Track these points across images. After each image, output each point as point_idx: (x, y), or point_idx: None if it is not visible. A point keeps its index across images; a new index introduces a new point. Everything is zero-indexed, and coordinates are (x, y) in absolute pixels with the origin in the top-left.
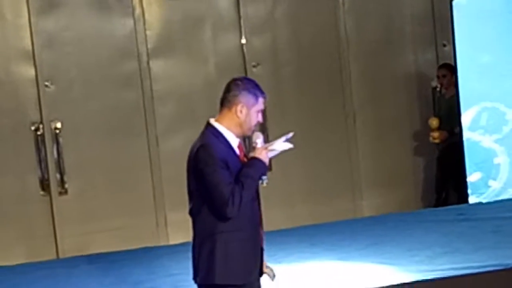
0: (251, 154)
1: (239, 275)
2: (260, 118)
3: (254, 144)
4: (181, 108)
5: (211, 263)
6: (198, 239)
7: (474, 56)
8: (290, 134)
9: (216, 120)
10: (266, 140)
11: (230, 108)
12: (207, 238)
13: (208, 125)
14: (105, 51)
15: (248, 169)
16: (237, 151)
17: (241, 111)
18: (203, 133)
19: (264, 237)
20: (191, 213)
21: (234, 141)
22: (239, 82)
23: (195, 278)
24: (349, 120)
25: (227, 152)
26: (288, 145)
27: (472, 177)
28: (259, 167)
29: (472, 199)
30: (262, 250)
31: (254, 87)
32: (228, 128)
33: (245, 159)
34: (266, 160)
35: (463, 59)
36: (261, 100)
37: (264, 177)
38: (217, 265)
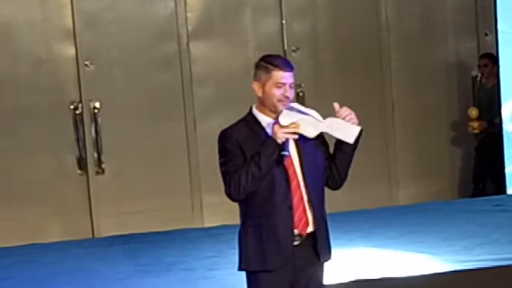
0: None
1: (255, 262)
2: (282, 92)
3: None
4: (219, 91)
5: (239, 250)
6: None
7: None
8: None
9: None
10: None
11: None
12: (240, 225)
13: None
14: (146, 32)
15: (258, 151)
16: (269, 131)
17: (257, 88)
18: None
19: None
20: None
21: (267, 121)
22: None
23: None
24: (387, 108)
25: (249, 136)
26: (315, 133)
27: (510, 168)
28: (267, 147)
29: (510, 191)
30: (299, 235)
31: (266, 61)
32: (258, 109)
33: None
34: (279, 137)
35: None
36: (275, 73)
37: (285, 153)
38: (241, 252)
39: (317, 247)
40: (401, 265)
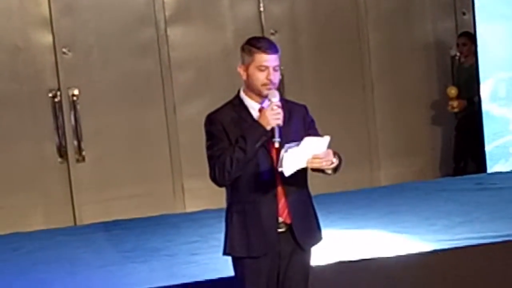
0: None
1: (239, 247)
2: (265, 75)
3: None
4: (198, 75)
5: (224, 234)
6: None
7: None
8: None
9: None
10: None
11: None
12: (226, 209)
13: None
14: (123, 18)
15: (243, 135)
16: (256, 115)
17: (242, 72)
18: None
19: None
20: None
21: (253, 105)
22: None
23: None
24: (367, 88)
25: (235, 120)
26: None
27: (490, 146)
28: (253, 132)
29: (490, 169)
30: (284, 222)
31: (250, 44)
32: (245, 92)
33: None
34: (268, 122)
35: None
36: (258, 55)
37: (277, 139)
38: (226, 237)
39: (296, 236)
40: (383, 246)
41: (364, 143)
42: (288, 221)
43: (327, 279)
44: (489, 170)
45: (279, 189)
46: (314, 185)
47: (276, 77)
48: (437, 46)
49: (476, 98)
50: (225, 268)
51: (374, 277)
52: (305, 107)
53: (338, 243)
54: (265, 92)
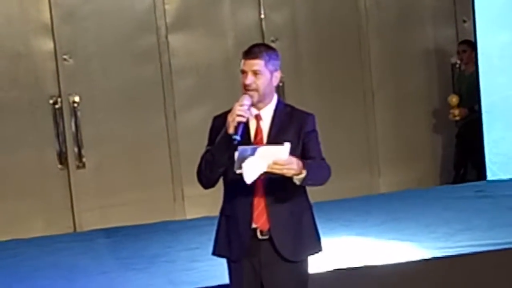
0: None
1: (223, 248)
2: (243, 79)
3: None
4: (199, 82)
5: (215, 235)
6: None
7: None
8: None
9: None
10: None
11: None
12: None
13: None
14: (124, 25)
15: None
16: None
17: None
18: None
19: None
20: None
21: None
22: None
23: None
24: (367, 96)
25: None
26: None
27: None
28: (220, 136)
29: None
30: (254, 229)
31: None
32: None
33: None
34: (228, 124)
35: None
36: (242, 61)
37: (236, 137)
38: (215, 237)
39: (276, 246)
40: (383, 253)
41: (364, 150)
42: (266, 229)
43: (326, 286)
44: (489, 178)
45: (258, 196)
46: (314, 193)
47: (254, 82)
48: (438, 53)
49: (476, 106)
50: (224, 274)
51: (374, 285)
52: (309, 117)
53: (338, 250)
54: (243, 95)
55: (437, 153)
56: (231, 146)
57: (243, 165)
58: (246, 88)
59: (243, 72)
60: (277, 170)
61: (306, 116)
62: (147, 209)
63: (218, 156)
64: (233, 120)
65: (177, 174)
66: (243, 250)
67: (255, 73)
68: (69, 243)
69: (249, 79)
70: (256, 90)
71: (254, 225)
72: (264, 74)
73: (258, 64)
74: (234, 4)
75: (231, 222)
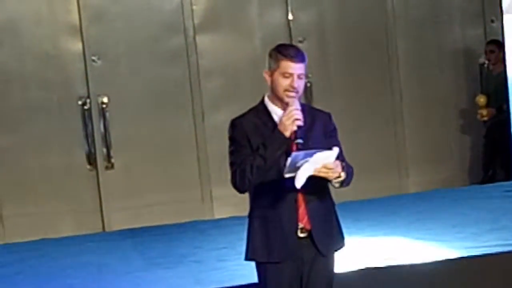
0: None
1: (261, 252)
2: (289, 82)
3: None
4: (226, 83)
5: (246, 240)
6: None
7: None
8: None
9: None
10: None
11: None
12: (248, 215)
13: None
14: (152, 26)
15: (264, 143)
16: (278, 121)
17: (267, 77)
18: None
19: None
20: None
21: (276, 111)
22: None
23: None
24: (395, 96)
25: (258, 126)
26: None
27: None
28: (274, 140)
29: None
30: (304, 228)
31: (277, 51)
32: (269, 98)
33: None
34: (285, 128)
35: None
36: (283, 62)
37: (299, 141)
38: (248, 242)
39: (315, 241)
40: (410, 253)
41: (392, 151)
42: (308, 227)
43: (353, 285)
44: None
45: (300, 195)
46: (342, 192)
47: (300, 85)
48: (466, 54)
49: (505, 106)
50: (253, 274)
51: (401, 284)
52: (329, 115)
53: (365, 249)
54: (286, 99)
55: (465, 154)
56: (287, 150)
57: (300, 170)
58: (290, 91)
59: (289, 75)
60: (323, 173)
61: (326, 115)
62: (175, 209)
63: (272, 161)
64: (292, 124)
65: (205, 174)
66: (287, 250)
67: (300, 77)
68: (98, 243)
69: (298, 83)
70: (298, 92)
71: (300, 225)
72: (304, 78)
73: (303, 68)
74: (262, 4)
75: (271, 224)
